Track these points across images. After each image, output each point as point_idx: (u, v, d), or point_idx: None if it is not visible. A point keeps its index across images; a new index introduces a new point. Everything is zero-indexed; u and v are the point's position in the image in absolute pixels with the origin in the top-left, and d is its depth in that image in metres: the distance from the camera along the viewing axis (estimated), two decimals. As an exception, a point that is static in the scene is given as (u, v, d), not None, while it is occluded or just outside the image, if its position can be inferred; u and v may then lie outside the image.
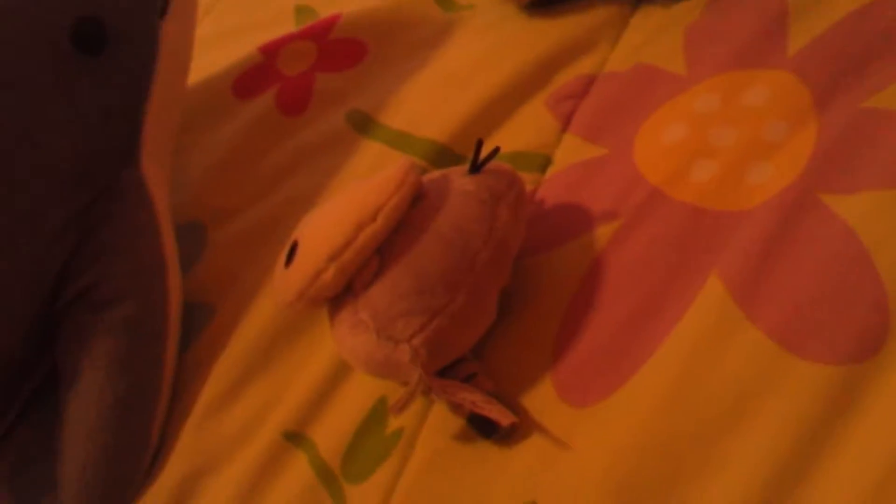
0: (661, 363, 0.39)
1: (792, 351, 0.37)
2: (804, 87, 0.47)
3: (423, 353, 0.39)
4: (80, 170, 0.46)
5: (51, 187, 0.45)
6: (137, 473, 0.47)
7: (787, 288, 0.39)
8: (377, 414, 0.44)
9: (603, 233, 0.46)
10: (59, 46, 0.45)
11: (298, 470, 0.45)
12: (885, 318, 0.36)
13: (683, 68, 0.52)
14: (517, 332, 0.44)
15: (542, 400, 0.41)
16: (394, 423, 0.44)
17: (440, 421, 0.43)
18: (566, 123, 0.53)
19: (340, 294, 0.41)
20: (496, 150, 0.43)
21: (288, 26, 0.71)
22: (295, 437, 0.46)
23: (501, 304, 0.43)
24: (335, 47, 0.65)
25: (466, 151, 0.52)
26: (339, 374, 0.46)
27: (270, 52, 0.66)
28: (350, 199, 0.40)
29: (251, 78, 0.65)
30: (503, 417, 0.39)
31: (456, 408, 0.41)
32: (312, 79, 0.63)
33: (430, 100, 0.57)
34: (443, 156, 0.53)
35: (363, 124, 0.58)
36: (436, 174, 0.44)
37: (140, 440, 0.47)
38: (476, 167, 0.42)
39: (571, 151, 0.51)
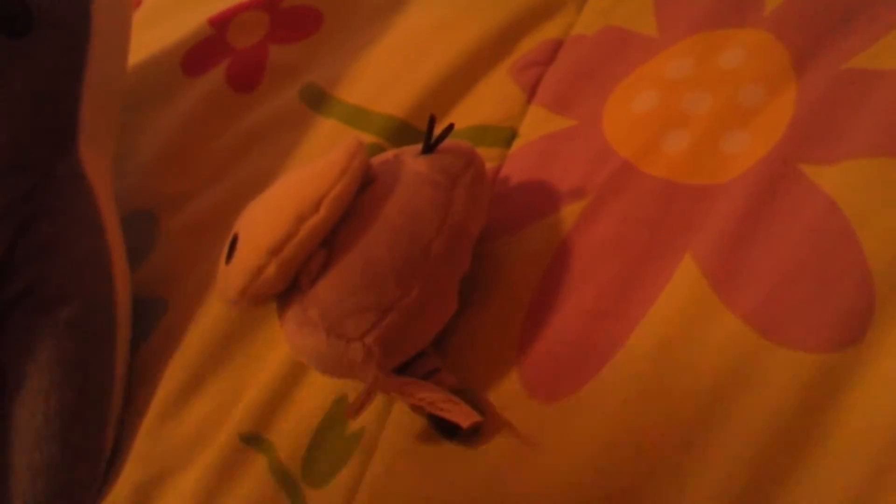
0: (632, 354, 0.37)
1: (771, 339, 0.35)
2: (782, 47, 0.44)
3: (377, 351, 0.36)
4: (12, 159, 0.44)
5: None
6: (91, 482, 0.45)
7: (765, 269, 0.36)
8: (336, 414, 0.42)
9: (571, 211, 0.43)
10: None
11: (257, 474, 0.42)
12: (869, 298, 0.34)
13: (654, 30, 0.48)
14: (481, 322, 0.41)
15: (508, 395, 0.39)
16: (354, 423, 0.41)
17: (402, 419, 0.40)
18: (532, 93, 0.50)
19: (287, 290, 0.38)
20: (450, 128, 0.40)
21: (240, -5, 0.67)
22: (253, 440, 0.43)
23: (463, 292, 0.41)
24: (288, 16, 0.61)
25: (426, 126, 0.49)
26: (296, 372, 0.44)
27: (220, 23, 0.62)
28: (291, 187, 0.37)
29: (201, 53, 0.61)
30: (465, 418, 0.36)
31: (416, 408, 0.38)
32: (265, 51, 0.60)
33: (387, 71, 0.54)
34: (402, 132, 0.50)
35: (318, 100, 0.54)
36: (387, 155, 0.41)
37: (92, 448, 0.44)
38: (429, 146, 0.39)
39: (537, 123, 0.48)
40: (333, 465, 0.41)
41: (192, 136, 0.56)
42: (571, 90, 0.48)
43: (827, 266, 0.35)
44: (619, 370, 0.37)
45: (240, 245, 0.37)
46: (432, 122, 0.39)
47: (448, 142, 0.40)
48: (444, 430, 0.38)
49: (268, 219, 0.37)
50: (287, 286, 0.38)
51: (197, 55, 0.61)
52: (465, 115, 0.50)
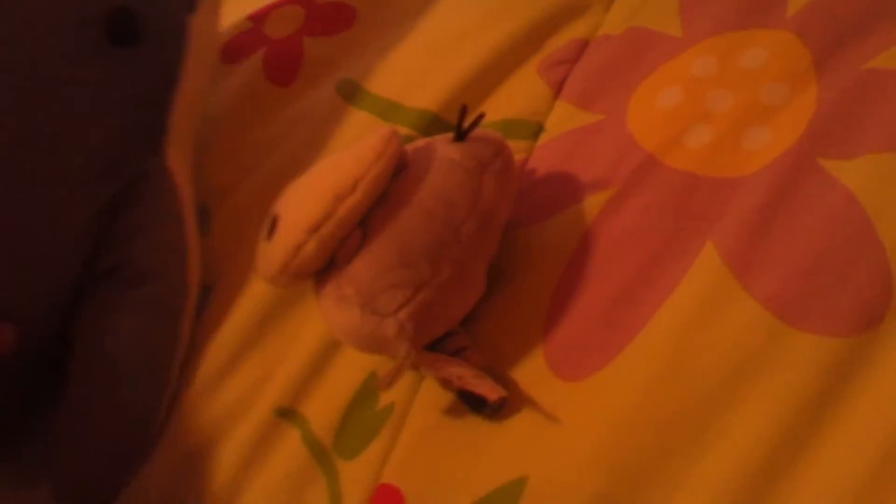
0: (653, 335, 0.38)
1: (790, 322, 0.36)
2: (804, 48, 0.45)
3: (409, 327, 0.38)
4: (113, 155, 0.47)
5: (89, 168, 0.46)
6: (145, 445, 0.47)
7: (784, 257, 0.38)
8: (368, 389, 0.44)
9: (595, 202, 0.44)
10: (93, 37, 0.46)
11: (291, 447, 0.44)
12: (887, 287, 0.35)
13: (679, 30, 0.50)
14: (508, 304, 0.43)
15: (533, 373, 0.40)
16: (385, 397, 0.43)
17: (431, 395, 0.42)
18: (558, 89, 0.51)
19: (324, 268, 0.40)
20: (481, 117, 0.41)
21: (277, -7, 0.70)
22: (287, 414, 0.45)
23: (492, 276, 0.42)
24: (323, 11, 0.63)
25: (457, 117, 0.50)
26: (329, 349, 0.46)
27: (259, 17, 0.65)
28: (329, 169, 0.39)
29: (238, 42, 0.64)
30: (492, 392, 0.38)
31: (445, 383, 0.40)
32: (300, 43, 0.62)
33: (420, 67, 0.56)
34: (433, 125, 0.52)
35: (353, 94, 0.56)
36: (420, 142, 0.43)
37: (151, 412, 0.47)
38: (461, 135, 0.41)
39: (564, 118, 0.50)
40: (364, 438, 0.42)
41: (233, 130, 0.59)
42: (597, 87, 0.50)
43: (845, 255, 0.37)
44: (640, 351, 0.38)
45: (280, 224, 0.39)
46: (464, 111, 0.41)
47: (478, 131, 0.42)
48: (472, 403, 0.39)
49: (307, 199, 0.38)
50: (324, 264, 0.39)
51: (234, 45, 0.63)
52: (495, 109, 0.52)
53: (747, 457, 0.33)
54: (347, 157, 0.39)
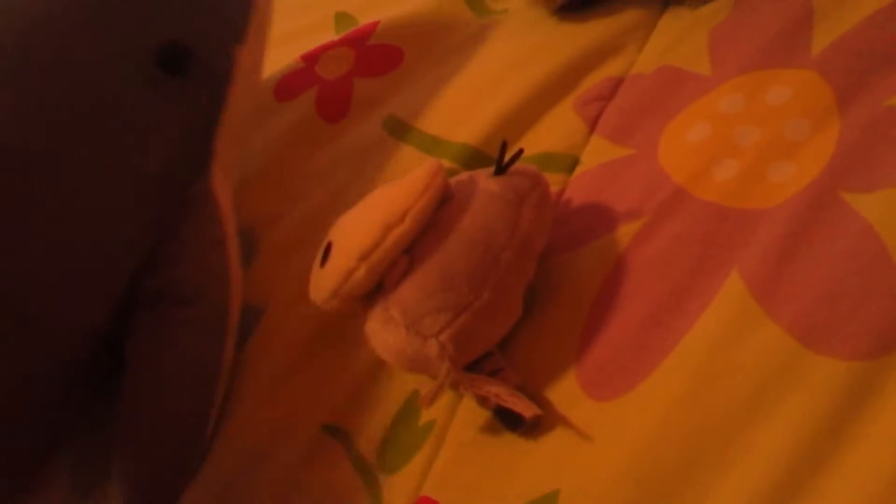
0: (681, 358, 0.41)
1: (810, 346, 0.38)
2: (827, 86, 0.47)
3: (450, 347, 0.41)
4: (162, 178, 0.50)
5: (137, 189, 0.48)
6: (193, 460, 0.49)
7: (806, 285, 0.40)
8: (410, 407, 0.46)
9: (628, 231, 0.47)
10: (147, 65, 0.49)
11: (336, 462, 0.47)
12: (902, 313, 0.37)
13: (708, 69, 0.53)
14: (543, 327, 0.45)
15: (566, 393, 0.43)
16: (426, 415, 0.46)
17: (469, 413, 0.44)
18: (593, 125, 0.54)
19: (372, 292, 0.43)
20: (520, 153, 0.45)
21: (328, 33, 0.74)
22: (333, 430, 0.48)
23: (528, 300, 0.45)
24: (373, 53, 0.67)
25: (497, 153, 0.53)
26: (374, 368, 0.48)
27: (311, 58, 0.69)
28: (379, 201, 0.42)
29: (292, 81, 0.68)
30: (527, 410, 0.40)
31: (483, 401, 0.43)
32: (350, 84, 0.66)
33: (462, 104, 0.59)
34: (475, 158, 0.55)
35: (399, 129, 0.60)
36: (463, 176, 0.46)
37: (198, 427, 0.49)
38: (501, 169, 0.44)
39: (598, 152, 0.53)
40: (406, 454, 0.45)
41: (285, 161, 0.62)
42: (630, 122, 0.53)
43: (863, 283, 0.39)
44: (669, 372, 0.40)
45: (333, 251, 0.42)
46: (504, 147, 0.44)
47: (517, 165, 0.45)
48: (508, 421, 0.42)
49: (358, 228, 0.42)
50: (373, 288, 0.43)
51: (288, 83, 0.68)
52: (533, 143, 0.55)
53: (769, 472, 0.35)
54: (397, 189, 0.42)
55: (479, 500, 0.42)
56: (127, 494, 0.46)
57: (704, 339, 0.41)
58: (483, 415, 0.44)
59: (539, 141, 0.55)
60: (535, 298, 0.46)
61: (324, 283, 0.43)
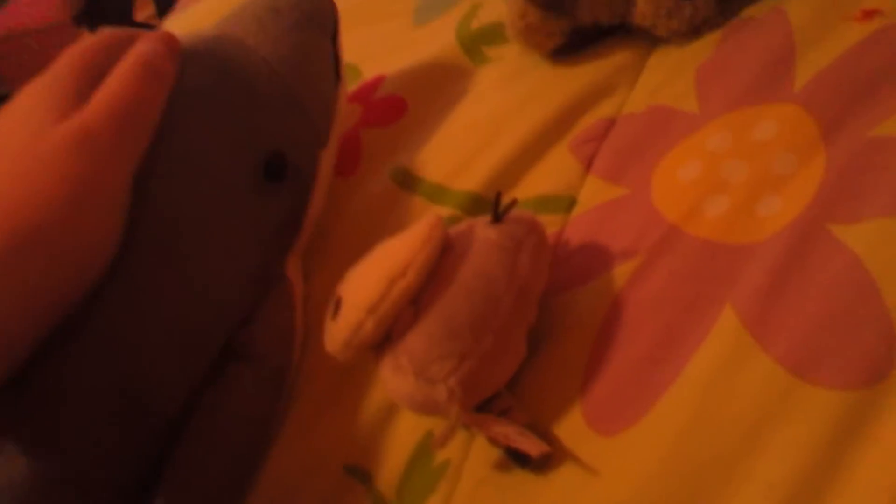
0: (680, 392, 0.42)
1: (802, 377, 0.39)
2: (811, 119, 0.49)
3: (458, 391, 0.43)
4: (257, 271, 0.55)
5: (240, 281, 0.54)
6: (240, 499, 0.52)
7: (796, 317, 0.41)
8: (425, 447, 0.48)
9: (624, 270, 0.49)
10: (253, 172, 0.54)
11: (358, 502, 0.49)
12: (891, 343, 0.38)
13: (696, 107, 0.55)
14: (548, 366, 0.47)
15: (572, 429, 0.44)
16: (440, 455, 0.47)
17: (483, 451, 0.46)
18: (588, 165, 0.56)
19: (382, 341, 0.45)
20: (514, 202, 0.47)
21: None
22: (354, 471, 0.50)
23: (532, 341, 0.47)
24: (379, 105, 0.70)
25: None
26: (391, 411, 0.50)
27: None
28: (383, 256, 0.45)
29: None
30: (535, 448, 0.42)
31: (493, 440, 0.45)
32: (358, 136, 0.68)
33: (464, 151, 0.61)
34: (478, 204, 0.57)
35: (406, 180, 0.62)
36: (463, 225, 0.48)
37: (245, 478, 0.53)
38: (497, 217, 0.46)
39: (594, 192, 0.55)
40: (423, 493, 0.47)
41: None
42: (623, 162, 0.55)
43: (852, 314, 0.40)
44: (669, 406, 0.42)
45: (343, 305, 0.45)
46: (498, 197, 0.47)
47: (514, 212, 0.47)
48: (518, 459, 0.44)
49: (365, 283, 0.44)
50: (382, 339, 0.45)
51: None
52: (531, 185, 0.57)
53: (767, 500, 0.37)
54: (398, 243, 0.45)
55: (495, 537, 0.44)
56: None
57: (702, 372, 0.42)
58: (496, 452, 0.46)
59: (537, 183, 0.57)
60: (538, 338, 0.48)
61: (336, 335, 0.45)
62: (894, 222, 0.42)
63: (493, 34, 0.70)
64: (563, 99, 0.61)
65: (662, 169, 0.53)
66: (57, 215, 0.43)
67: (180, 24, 1.06)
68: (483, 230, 0.46)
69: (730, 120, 0.52)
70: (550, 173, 0.57)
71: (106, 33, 0.53)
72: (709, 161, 0.51)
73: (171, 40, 0.54)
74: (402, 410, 0.50)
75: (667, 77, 0.58)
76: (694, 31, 0.60)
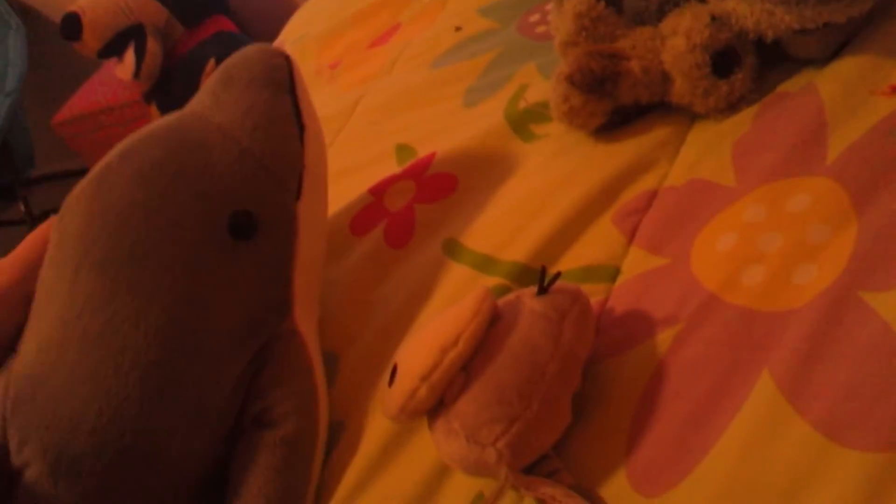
0: (720, 455, 0.44)
1: (836, 440, 0.41)
2: (843, 191, 0.51)
3: (507, 454, 0.46)
4: (249, 328, 0.58)
5: (229, 342, 0.56)
6: None
7: (830, 382, 0.43)
8: (477, 508, 0.51)
9: (666, 337, 0.51)
10: (221, 235, 0.57)
11: (412, 562, 0.51)
12: (921, 406, 0.40)
13: (733, 180, 0.57)
14: (593, 430, 0.50)
15: (617, 491, 0.46)
16: (492, 515, 0.50)
17: (532, 512, 0.49)
18: (631, 237, 0.59)
19: (435, 406, 0.48)
20: (558, 275, 0.50)
21: (390, 163, 0.82)
22: (409, 532, 0.53)
23: (578, 405, 0.50)
24: (431, 182, 0.75)
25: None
26: (443, 472, 0.53)
27: (378, 192, 0.77)
28: (437, 326, 0.48)
29: (364, 217, 0.76)
30: (581, 509, 0.44)
31: (540, 501, 0.47)
32: (412, 211, 0.73)
33: (511, 224, 0.65)
34: (524, 274, 0.61)
35: (456, 251, 0.66)
36: (510, 296, 0.52)
37: None
38: (542, 289, 0.50)
39: (637, 262, 0.57)
40: (475, 552, 0.49)
41: (358, 288, 0.69)
42: (665, 234, 0.58)
43: (883, 379, 0.42)
44: (709, 469, 0.44)
45: (399, 373, 0.48)
46: (543, 271, 0.50)
47: (558, 284, 0.51)
48: (564, 520, 0.46)
49: (419, 352, 0.48)
50: (435, 404, 0.48)
51: (361, 219, 0.76)
52: (576, 257, 0.60)
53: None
54: (450, 315, 0.48)
55: None
56: None
57: (740, 436, 0.44)
58: (544, 514, 0.48)
59: (582, 254, 0.60)
60: (584, 402, 0.50)
61: (392, 401, 0.48)
62: (923, 290, 0.44)
63: (539, 113, 0.75)
64: (607, 173, 0.64)
65: (701, 240, 0.55)
66: None
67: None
68: (529, 301, 0.49)
69: (765, 193, 0.55)
70: (594, 244, 0.60)
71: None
72: (745, 232, 0.53)
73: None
74: (454, 472, 0.53)
75: (705, 151, 0.62)
76: (730, 107, 0.63)
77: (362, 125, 0.93)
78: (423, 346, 0.48)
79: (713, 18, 0.61)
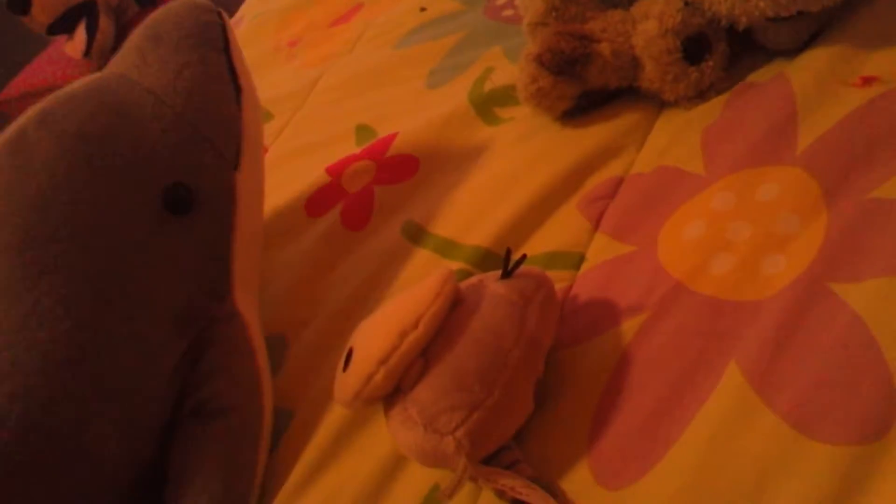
0: (686, 447, 0.43)
1: (805, 433, 0.40)
2: (813, 181, 0.50)
3: (466, 443, 0.43)
4: (187, 308, 0.54)
5: (166, 325, 0.53)
6: None
7: (799, 374, 0.42)
8: (432, 499, 0.48)
9: (631, 325, 0.50)
10: (154, 210, 0.53)
11: (363, 555, 0.49)
12: (892, 399, 0.39)
13: (702, 168, 0.56)
14: (555, 420, 0.48)
15: (579, 483, 0.45)
16: (447, 508, 0.48)
17: (489, 505, 0.47)
18: (597, 223, 0.58)
19: (392, 393, 0.46)
20: (523, 258, 0.48)
21: (349, 143, 0.80)
22: (360, 524, 0.50)
23: (539, 394, 0.48)
24: (391, 163, 0.72)
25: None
26: (397, 463, 0.51)
27: (336, 172, 0.74)
28: (395, 308, 0.46)
29: (320, 197, 0.73)
30: (542, 501, 0.42)
31: (500, 493, 0.45)
32: (371, 192, 0.70)
33: (474, 208, 0.63)
34: (486, 259, 0.59)
35: (416, 234, 0.64)
36: (473, 280, 0.49)
37: None
38: (507, 273, 0.48)
39: (602, 249, 0.56)
40: (429, 547, 0.47)
41: (313, 270, 0.66)
42: (631, 221, 0.56)
43: (853, 372, 0.41)
44: (674, 462, 0.42)
45: (354, 357, 0.46)
46: (508, 253, 0.48)
47: (523, 268, 0.49)
48: (524, 513, 0.44)
49: (376, 335, 0.45)
50: (392, 390, 0.46)
51: (317, 199, 0.73)
52: (540, 242, 0.58)
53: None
54: (410, 297, 0.46)
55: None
56: None
57: (707, 428, 0.43)
58: (502, 506, 0.46)
59: (546, 240, 0.58)
60: (545, 393, 0.49)
61: (347, 386, 0.46)
62: (893, 281, 0.43)
63: (505, 96, 0.73)
64: (573, 159, 0.63)
65: (669, 227, 0.54)
66: None
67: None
68: (493, 285, 0.47)
69: (734, 181, 0.53)
70: (559, 231, 0.59)
71: None
72: (713, 220, 0.52)
73: None
74: (409, 463, 0.50)
75: (674, 139, 0.60)
76: (700, 95, 0.62)
77: (321, 104, 0.90)
78: (380, 329, 0.45)
79: (686, 3, 0.60)
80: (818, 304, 0.44)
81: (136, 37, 0.60)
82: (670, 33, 0.59)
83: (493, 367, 0.44)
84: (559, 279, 0.55)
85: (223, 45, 0.60)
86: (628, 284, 0.52)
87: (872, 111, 0.52)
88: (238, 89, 0.60)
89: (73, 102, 0.54)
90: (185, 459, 0.51)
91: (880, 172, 0.49)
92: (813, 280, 0.46)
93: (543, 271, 0.50)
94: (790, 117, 0.55)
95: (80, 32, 1.93)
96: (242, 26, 1.20)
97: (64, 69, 2.07)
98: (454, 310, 0.46)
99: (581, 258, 0.56)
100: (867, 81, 0.54)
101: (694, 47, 0.60)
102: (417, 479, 0.49)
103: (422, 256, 0.62)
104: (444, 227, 0.63)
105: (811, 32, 0.60)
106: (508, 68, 0.76)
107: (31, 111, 0.54)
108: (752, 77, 0.61)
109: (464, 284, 0.49)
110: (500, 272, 0.48)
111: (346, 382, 0.46)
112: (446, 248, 0.61)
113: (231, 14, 1.23)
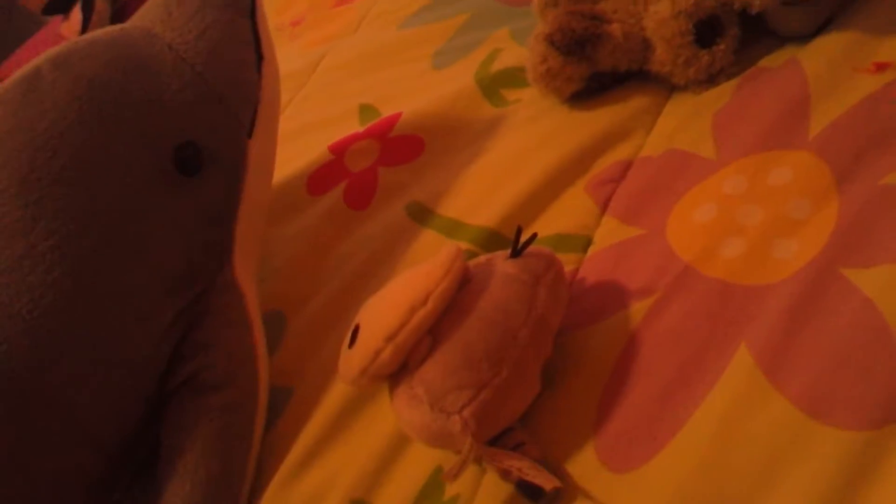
0: (695, 431, 0.42)
1: (816, 418, 0.39)
2: (825, 166, 0.50)
3: (472, 423, 0.43)
4: (184, 272, 0.53)
5: (161, 287, 0.52)
6: None
7: (810, 358, 0.42)
8: (435, 481, 0.48)
9: (640, 308, 0.49)
10: (163, 168, 0.52)
11: (364, 537, 0.48)
12: (904, 385, 0.39)
13: (713, 152, 0.56)
14: (561, 402, 0.47)
15: (585, 466, 0.44)
16: (451, 489, 0.47)
17: (493, 487, 0.46)
18: (605, 206, 0.57)
19: (398, 370, 0.45)
20: (534, 236, 0.48)
21: (352, 123, 0.79)
22: (361, 504, 0.50)
23: (546, 376, 0.47)
24: (396, 143, 0.72)
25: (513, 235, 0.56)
26: (400, 443, 0.50)
27: (338, 150, 0.73)
28: (404, 284, 0.45)
29: (322, 175, 0.72)
30: (548, 483, 0.42)
31: (505, 474, 0.45)
32: (375, 173, 0.70)
33: (480, 189, 0.63)
34: (492, 240, 0.58)
35: (421, 214, 0.63)
36: (481, 258, 0.49)
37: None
38: (517, 252, 0.47)
39: (610, 232, 0.55)
40: (432, 529, 0.47)
41: (314, 248, 0.66)
42: (640, 204, 0.56)
43: (865, 357, 0.40)
44: (682, 445, 0.42)
45: (361, 333, 0.45)
46: (519, 231, 0.47)
47: (532, 247, 0.48)
48: (529, 494, 0.43)
49: (384, 311, 0.45)
50: (399, 367, 0.45)
51: (319, 177, 0.72)
52: (547, 225, 0.58)
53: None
54: (420, 273, 0.45)
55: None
56: None
57: (716, 411, 0.42)
58: (506, 488, 0.45)
59: (553, 223, 0.58)
60: (553, 373, 0.48)
61: (352, 363, 0.45)
62: (906, 268, 0.43)
63: (512, 77, 0.72)
64: (581, 141, 0.62)
65: (678, 211, 0.53)
66: None
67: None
68: (502, 264, 0.47)
69: (745, 165, 0.53)
70: (566, 213, 0.58)
71: None
72: (724, 204, 0.51)
73: None
74: (412, 444, 0.50)
75: (684, 122, 0.60)
76: (710, 79, 0.61)
77: (324, 84, 0.89)
78: (388, 305, 0.44)
79: (699, -15, 0.59)
80: (829, 289, 0.44)
81: None
82: (683, 15, 0.59)
83: (502, 345, 0.44)
84: (566, 262, 0.54)
85: (250, 11, 0.59)
86: (637, 267, 0.52)
87: (886, 96, 0.52)
88: (260, 57, 0.59)
89: (92, 48, 0.53)
90: (179, 435, 0.50)
91: (892, 159, 0.48)
92: (824, 265, 0.45)
93: (552, 252, 0.49)
94: (803, 102, 0.55)
95: (76, 13, 1.91)
96: None
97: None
98: (462, 288, 0.46)
99: (588, 241, 0.56)
100: (881, 67, 0.54)
101: (706, 30, 0.59)
102: (421, 459, 0.49)
103: (427, 236, 0.61)
104: (450, 207, 0.62)
105: (825, 18, 0.59)
106: (516, 50, 0.75)
107: (50, 52, 0.53)
108: (764, 62, 0.61)
109: (472, 263, 0.48)
110: (508, 252, 0.48)
111: (352, 359, 0.45)
112: (452, 228, 0.61)
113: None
